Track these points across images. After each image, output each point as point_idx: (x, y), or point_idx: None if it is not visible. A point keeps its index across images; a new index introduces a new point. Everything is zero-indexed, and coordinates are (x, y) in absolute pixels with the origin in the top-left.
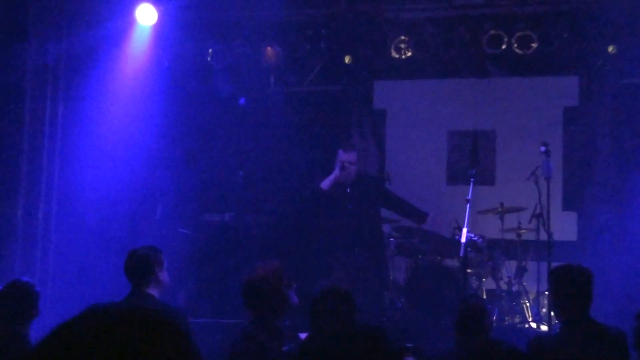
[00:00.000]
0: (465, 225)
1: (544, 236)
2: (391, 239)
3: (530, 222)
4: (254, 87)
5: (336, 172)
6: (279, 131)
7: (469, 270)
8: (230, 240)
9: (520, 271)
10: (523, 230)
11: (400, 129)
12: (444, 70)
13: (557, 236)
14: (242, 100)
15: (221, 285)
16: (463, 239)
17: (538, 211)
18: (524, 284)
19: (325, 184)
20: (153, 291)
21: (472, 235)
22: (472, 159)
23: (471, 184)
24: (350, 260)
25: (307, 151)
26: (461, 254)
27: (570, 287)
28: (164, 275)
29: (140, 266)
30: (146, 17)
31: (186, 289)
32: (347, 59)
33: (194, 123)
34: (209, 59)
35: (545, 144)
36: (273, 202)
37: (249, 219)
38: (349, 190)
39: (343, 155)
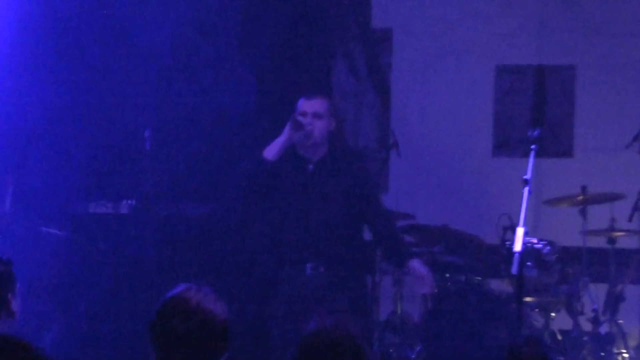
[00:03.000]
0: (522, 224)
1: None
2: None
3: (631, 218)
4: None
5: (286, 132)
6: (211, 64)
7: (527, 299)
8: (127, 244)
9: (614, 301)
10: (619, 233)
11: (416, 62)
12: None
13: None
14: (147, 133)
15: (112, 315)
16: (518, 247)
17: None
18: (620, 321)
19: (270, 151)
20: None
21: (534, 240)
22: (535, 112)
23: (532, 154)
24: (300, 280)
25: (255, 99)
26: (514, 271)
27: None
28: (16, 303)
29: None
30: None
31: (58, 321)
32: None
33: (67, 57)
34: None
35: None
36: (202, 182)
37: (160, 209)
38: (311, 167)
39: (304, 105)
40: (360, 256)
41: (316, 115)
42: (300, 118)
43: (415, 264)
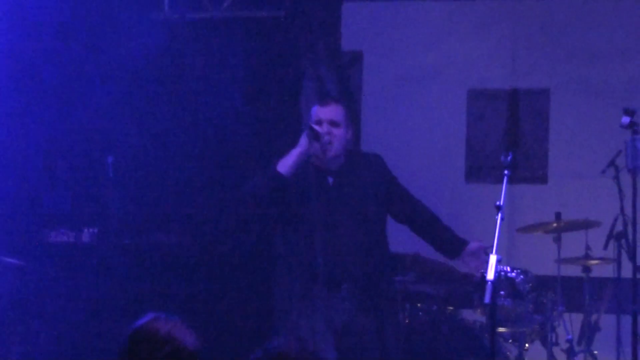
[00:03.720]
0: (494, 251)
1: (628, 270)
2: None
3: (606, 246)
4: (136, 14)
5: (303, 143)
6: (179, 87)
7: (501, 329)
8: (89, 274)
9: (589, 331)
10: (594, 261)
11: (387, 86)
12: None
13: None
14: (110, 159)
15: (74, 346)
16: (491, 275)
17: (619, 228)
18: (595, 352)
19: (284, 164)
20: None
21: (508, 269)
22: (508, 137)
23: (505, 180)
24: (331, 308)
25: (225, 122)
26: (487, 300)
27: None
28: None
29: None
30: None
31: (19, 350)
32: None
33: (20, 72)
34: None
35: (630, 113)
36: (169, 210)
37: (125, 238)
38: (331, 180)
39: (319, 112)
40: (392, 280)
41: (333, 123)
42: (316, 127)
43: (475, 245)
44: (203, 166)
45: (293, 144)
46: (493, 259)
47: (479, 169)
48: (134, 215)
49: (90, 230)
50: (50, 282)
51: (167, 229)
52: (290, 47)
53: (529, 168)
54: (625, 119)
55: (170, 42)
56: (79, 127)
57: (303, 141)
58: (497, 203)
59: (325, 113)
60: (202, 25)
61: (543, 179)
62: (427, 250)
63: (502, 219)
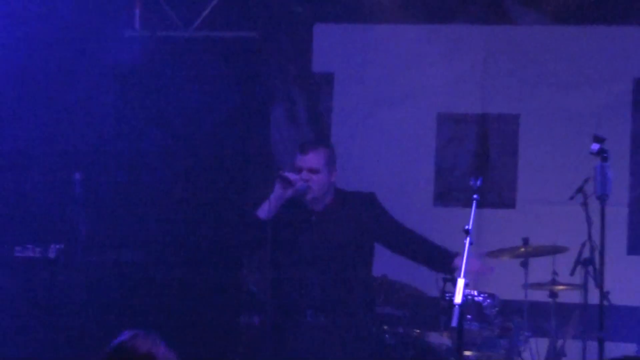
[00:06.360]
0: (462, 275)
1: (595, 297)
2: None
3: (573, 272)
4: (104, 31)
5: (276, 190)
6: (150, 104)
7: (467, 353)
8: (55, 290)
9: (555, 356)
10: (561, 287)
11: (357, 108)
12: (434, 11)
13: (618, 298)
14: (77, 176)
15: None
16: (458, 299)
17: (586, 255)
18: None
19: (263, 210)
20: None
21: (475, 293)
22: (477, 162)
23: (474, 204)
24: (300, 327)
25: (195, 141)
26: (454, 323)
27: None
28: None
29: None
30: None
31: None
32: None
33: None
34: None
35: (599, 140)
36: (136, 227)
37: (91, 254)
38: (314, 219)
39: (298, 160)
40: (365, 305)
41: (311, 170)
42: (287, 174)
43: (458, 259)
44: (172, 184)
45: (262, 164)
46: (461, 282)
47: (448, 193)
48: (100, 232)
49: (57, 246)
50: (14, 297)
51: (133, 247)
52: (261, 68)
53: (498, 193)
54: (595, 146)
55: (141, 60)
56: (47, 143)
57: (276, 187)
58: (466, 227)
59: (304, 161)
60: (174, 43)
61: (511, 204)
62: (394, 273)
63: (470, 242)
